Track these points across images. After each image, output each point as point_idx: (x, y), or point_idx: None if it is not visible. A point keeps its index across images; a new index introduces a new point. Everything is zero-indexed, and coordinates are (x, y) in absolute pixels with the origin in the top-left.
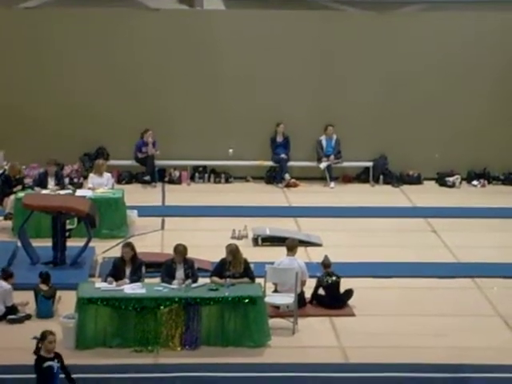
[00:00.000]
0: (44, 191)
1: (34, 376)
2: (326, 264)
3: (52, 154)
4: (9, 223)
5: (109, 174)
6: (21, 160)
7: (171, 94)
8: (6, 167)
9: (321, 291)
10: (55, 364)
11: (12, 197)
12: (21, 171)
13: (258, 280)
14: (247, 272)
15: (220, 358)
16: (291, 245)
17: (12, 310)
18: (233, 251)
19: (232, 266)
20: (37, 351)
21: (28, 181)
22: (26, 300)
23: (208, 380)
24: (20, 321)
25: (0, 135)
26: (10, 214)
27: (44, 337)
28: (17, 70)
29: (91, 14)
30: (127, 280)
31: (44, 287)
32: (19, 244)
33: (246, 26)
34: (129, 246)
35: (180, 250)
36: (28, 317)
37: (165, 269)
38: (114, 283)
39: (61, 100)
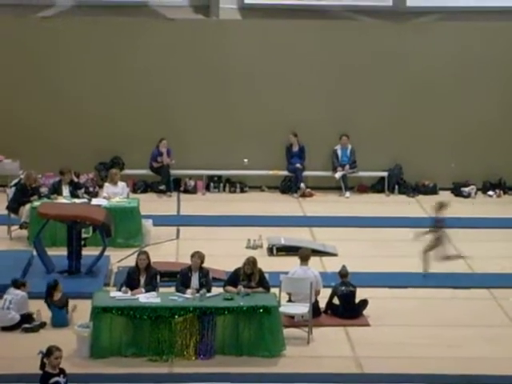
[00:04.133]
0: (59, 200)
1: None
2: (342, 274)
3: (68, 163)
4: (24, 232)
5: (124, 183)
6: (37, 169)
7: (186, 103)
8: (22, 176)
9: (336, 301)
10: (61, 380)
11: (27, 206)
12: (36, 180)
13: (272, 290)
14: (262, 282)
15: (234, 367)
16: (304, 254)
17: (27, 318)
18: (251, 263)
19: (248, 276)
20: (42, 367)
21: (44, 190)
22: (38, 308)
23: None
24: (35, 329)
25: (16, 144)
26: (26, 222)
27: (50, 352)
28: (32, 80)
29: (107, 24)
30: (142, 289)
31: (55, 296)
32: (35, 253)
33: (261, 36)
34: (144, 254)
35: (198, 256)
36: (43, 325)
37: (180, 277)
38: (129, 292)
39: (77, 109)
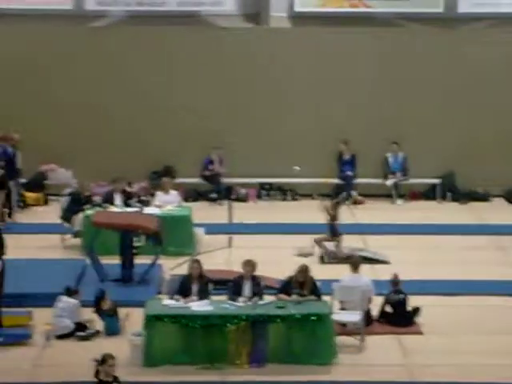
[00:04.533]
0: (112, 209)
1: None
2: (395, 282)
3: (120, 172)
4: (78, 241)
5: (176, 192)
6: (90, 178)
7: (238, 111)
8: (76, 185)
9: (388, 309)
10: None
11: (81, 215)
12: (89, 189)
13: (324, 297)
14: (314, 290)
15: (287, 375)
16: (356, 262)
17: (81, 326)
18: (303, 271)
19: (300, 284)
20: (97, 375)
21: (96, 199)
22: (91, 317)
23: None
24: (89, 338)
25: (69, 154)
26: (79, 231)
27: (104, 360)
28: (85, 89)
29: (158, 33)
30: (194, 297)
31: (104, 305)
32: (88, 261)
33: (311, 44)
34: (196, 263)
35: (250, 265)
36: (96, 334)
37: (232, 286)
38: (182, 300)
39: (129, 119)
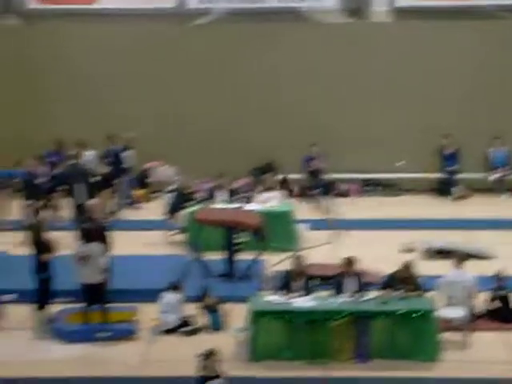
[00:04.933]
0: (215, 205)
1: None
2: (500, 277)
3: (223, 168)
4: (182, 237)
5: (278, 188)
6: (192, 175)
7: (340, 106)
8: (179, 182)
9: (493, 305)
10: (220, 382)
11: (185, 211)
12: (193, 186)
13: (428, 293)
14: (417, 286)
15: (391, 371)
16: (460, 258)
17: (185, 321)
18: (407, 267)
19: (403, 280)
20: (201, 370)
21: (199, 195)
22: (195, 312)
23: None
24: (193, 333)
25: (172, 151)
26: (183, 228)
27: (209, 355)
28: (188, 85)
29: (261, 30)
30: (297, 293)
31: (207, 301)
32: (192, 257)
33: (413, 38)
34: (299, 259)
35: (351, 260)
36: (200, 329)
37: (335, 282)
38: (285, 296)
39: (231, 115)
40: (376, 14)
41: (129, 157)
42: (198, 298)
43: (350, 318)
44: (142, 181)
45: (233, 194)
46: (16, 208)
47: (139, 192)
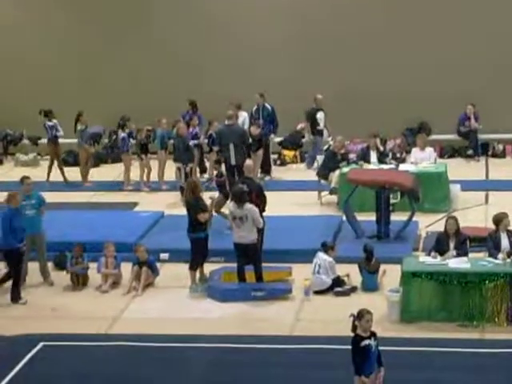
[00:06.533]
0: (367, 166)
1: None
2: None
3: (375, 129)
4: (334, 198)
5: (431, 149)
6: (345, 135)
7: (494, 67)
8: (332, 143)
9: None
10: (373, 343)
11: (337, 172)
12: (345, 147)
13: None
14: None
15: None
16: None
17: (338, 282)
18: None
19: None
20: (354, 329)
21: (352, 156)
22: (348, 273)
23: None
24: (346, 293)
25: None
26: (335, 188)
27: (361, 316)
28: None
29: None
30: (452, 253)
31: (368, 262)
32: (344, 218)
33: None
34: (452, 219)
35: (505, 217)
36: (354, 289)
37: (490, 241)
38: (439, 257)
39: (388, 74)
40: None
41: (321, 119)
42: (352, 259)
43: (504, 279)
44: (294, 141)
45: (385, 154)
46: (171, 169)
47: (291, 152)
